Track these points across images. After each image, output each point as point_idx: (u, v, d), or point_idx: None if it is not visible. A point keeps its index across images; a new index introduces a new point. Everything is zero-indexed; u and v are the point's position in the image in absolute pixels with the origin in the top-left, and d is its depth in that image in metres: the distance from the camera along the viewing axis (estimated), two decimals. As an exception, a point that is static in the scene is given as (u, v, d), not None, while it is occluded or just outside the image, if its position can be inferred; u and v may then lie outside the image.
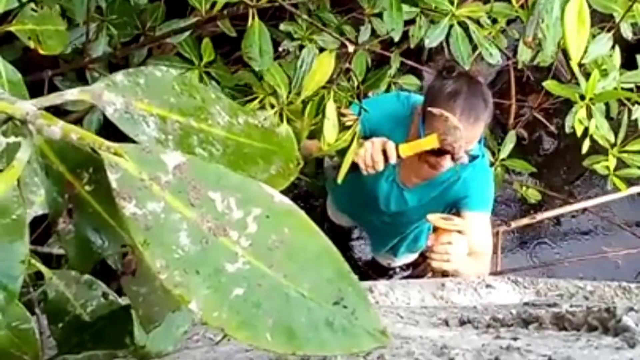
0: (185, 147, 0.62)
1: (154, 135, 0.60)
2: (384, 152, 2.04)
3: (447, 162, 2.11)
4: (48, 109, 0.57)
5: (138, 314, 0.71)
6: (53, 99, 0.58)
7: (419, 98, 2.28)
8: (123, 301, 0.93)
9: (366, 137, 2.17)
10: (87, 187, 0.64)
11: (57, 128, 0.54)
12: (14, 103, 0.55)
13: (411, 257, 3.11)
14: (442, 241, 2.03)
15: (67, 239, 0.66)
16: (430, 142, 2.03)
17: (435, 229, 2.08)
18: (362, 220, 2.99)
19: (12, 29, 1.50)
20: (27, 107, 0.55)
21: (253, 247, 0.53)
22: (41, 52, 1.55)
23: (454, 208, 2.35)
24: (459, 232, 2.05)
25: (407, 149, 2.06)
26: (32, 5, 1.54)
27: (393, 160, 2.04)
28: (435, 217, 2.08)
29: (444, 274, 2.12)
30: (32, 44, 1.53)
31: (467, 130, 2.06)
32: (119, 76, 0.60)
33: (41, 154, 0.58)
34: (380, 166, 2.04)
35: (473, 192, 2.28)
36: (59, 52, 1.64)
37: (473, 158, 2.17)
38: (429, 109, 2.06)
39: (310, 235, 0.55)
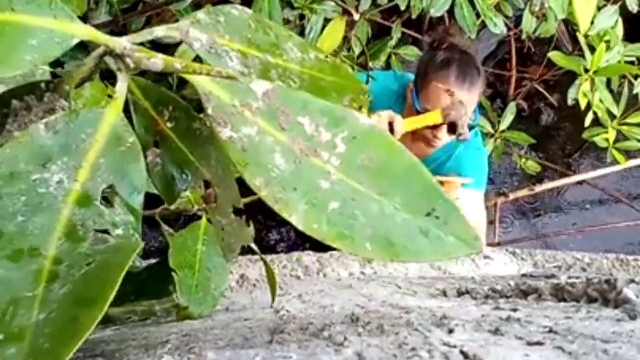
0: (266, 80, 0.64)
1: (238, 69, 0.64)
2: (390, 126, 2.02)
3: (443, 135, 2.10)
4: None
5: (221, 244, 0.79)
6: (144, 35, 0.61)
7: (412, 76, 2.28)
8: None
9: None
10: (169, 124, 0.69)
11: (159, 60, 0.58)
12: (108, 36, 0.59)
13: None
14: (451, 196, 2.02)
15: (155, 171, 0.71)
16: (434, 117, 2.03)
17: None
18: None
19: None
20: (124, 42, 0.59)
21: (343, 165, 0.57)
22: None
23: None
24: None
25: (410, 124, 2.03)
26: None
27: (399, 134, 2.01)
28: (438, 177, 2.08)
29: None
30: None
31: (462, 96, 2.06)
32: (201, 14, 0.64)
33: (129, 90, 0.61)
34: None
35: (466, 169, 2.27)
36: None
37: (469, 128, 2.17)
38: (435, 84, 2.05)
39: (396, 153, 0.59)
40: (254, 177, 0.55)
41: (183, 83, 1.96)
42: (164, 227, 1.07)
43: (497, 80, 3.69)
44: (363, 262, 1.52)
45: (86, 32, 0.58)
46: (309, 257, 1.51)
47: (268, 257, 1.43)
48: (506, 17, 2.46)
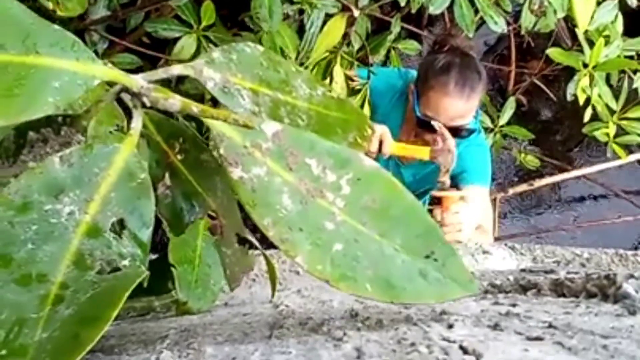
0: (276, 118, 0.67)
1: (249, 108, 0.66)
2: (380, 143, 2.02)
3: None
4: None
5: (225, 274, 0.80)
6: (161, 73, 0.63)
7: (416, 74, 2.27)
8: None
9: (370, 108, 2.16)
10: (179, 157, 0.71)
11: (176, 101, 0.59)
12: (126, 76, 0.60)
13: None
14: (451, 211, 2.02)
15: (165, 203, 0.73)
16: (422, 153, 2.04)
17: (438, 202, 2.07)
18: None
19: (31, -10, 1.48)
20: (141, 80, 0.60)
21: (348, 207, 0.58)
22: (60, 13, 1.53)
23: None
24: (462, 200, 2.05)
25: (398, 149, 2.05)
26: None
27: (386, 155, 2.03)
28: (436, 192, 2.09)
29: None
30: (50, 5, 1.51)
31: (462, 103, 2.05)
32: (215, 53, 0.66)
33: (143, 124, 0.62)
34: (372, 157, 2.01)
35: (469, 166, 2.26)
36: (77, 14, 1.62)
37: (470, 132, 2.15)
38: (433, 123, 2.04)
39: (397, 195, 0.60)
40: (262, 218, 0.56)
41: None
42: (165, 222, 1.08)
43: (496, 75, 3.69)
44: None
45: (107, 72, 0.59)
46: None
47: (267, 252, 1.43)
48: (505, 12, 2.45)
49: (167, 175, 0.72)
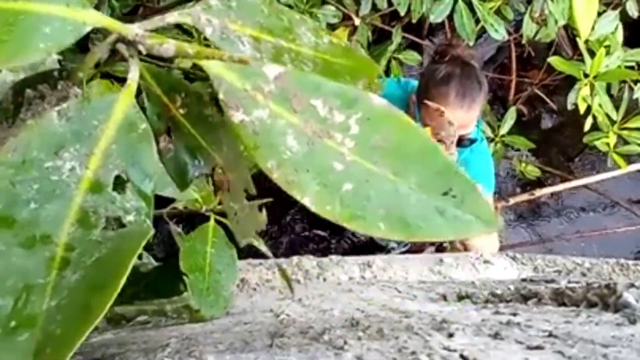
0: (279, 64, 0.64)
1: (250, 54, 0.64)
2: None
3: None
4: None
5: (234, 229, 0.77)
6: (156, 22, 0.61)
7: (416, 83, 2.27)
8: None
9: None
10: (181, 111, 0.69)
11: (171, 45, 0.58)
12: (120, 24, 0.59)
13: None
14: None
15: (167, 158, 0.71)
16: None
17: None
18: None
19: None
20: (136, 28, 0.58)
21: (357, 146, 0.56)
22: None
23: None
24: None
25: None
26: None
27: None
28: None
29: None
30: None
31: (462, 114, 2.05)
32: (213, 0, 0.64)
33: (141, 76, 0.61)
34: None
35: (472, 174, 2.24)
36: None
37: (471, 142, 2.16)
38: (426, 102, 2.05)
39: (411, 133, 0.58)
40: (266, 160, 0.54)
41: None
42: (173, 226, 1.08)
43: (497, 85, 3.70)
44: (363, 267, 1.53)
45: (98, 19, 0.58)
46: (309, 261, 1.51)
47: (268, 262, 1.43)
48: (507, 21, 2.46)
49: (169, 129, 0.70)
